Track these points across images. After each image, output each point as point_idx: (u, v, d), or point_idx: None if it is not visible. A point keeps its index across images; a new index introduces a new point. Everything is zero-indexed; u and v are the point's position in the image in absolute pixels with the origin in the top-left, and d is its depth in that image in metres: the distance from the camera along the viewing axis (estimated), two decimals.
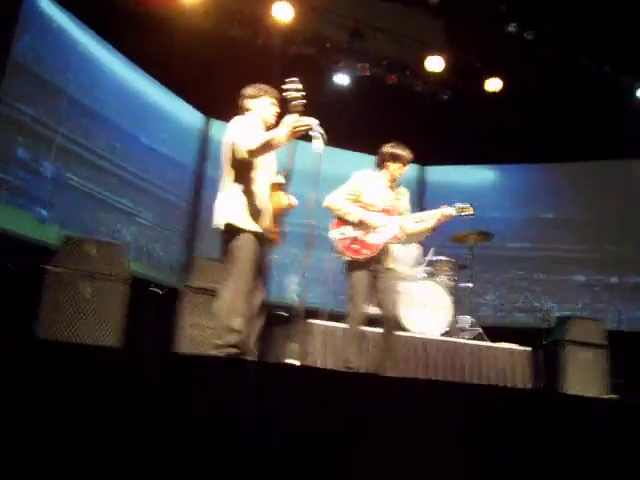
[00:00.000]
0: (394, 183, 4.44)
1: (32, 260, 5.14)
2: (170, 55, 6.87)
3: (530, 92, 8.37)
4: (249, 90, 4.03)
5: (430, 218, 4.39)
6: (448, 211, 4.39)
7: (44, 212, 6.11)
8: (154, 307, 5.87)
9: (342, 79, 8.47)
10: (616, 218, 8.50)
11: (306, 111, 3.96)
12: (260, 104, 3.99)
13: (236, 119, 3.93)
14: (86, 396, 1.74)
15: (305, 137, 3.84)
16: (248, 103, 4.01)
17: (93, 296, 4.84)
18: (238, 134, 3.78)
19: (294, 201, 3.98)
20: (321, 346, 5.05)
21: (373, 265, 4.21)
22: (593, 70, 8.11)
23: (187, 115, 8.12)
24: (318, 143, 3.80)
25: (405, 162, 4.39)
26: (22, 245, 5.74)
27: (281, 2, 7.37)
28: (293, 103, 3.73)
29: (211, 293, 5.19)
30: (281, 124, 3.73)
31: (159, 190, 7.63)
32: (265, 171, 3.90)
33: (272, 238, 3.90)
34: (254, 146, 3.67)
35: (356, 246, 4.20)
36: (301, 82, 3.80)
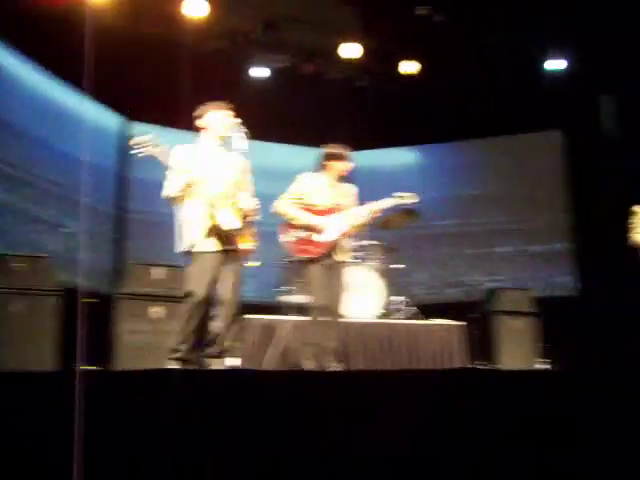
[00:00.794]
0: (340, 180, 4.71)
1: None
2: (81, 57, 6.68)
3: (444, 72, 8.56)
4: (197, 111, 4.07)
5: (366, 214, 4.67)
6: (385, 203, 4.70)
7: None
8: (88, 317, 5.75)
9: (259, 72, 8.46)
10: (533, 189, 8.83)
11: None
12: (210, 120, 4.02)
13: (173, 151, 3.98)
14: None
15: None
16: (199, 123, 4.05)
17: (25, 313, 4.72)
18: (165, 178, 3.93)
19: (249, 204, 4.03)
20: (260, 340, 5.08)
21: (324, 260, 4.48)
22: (501, 47, 8.34)
23: (104, 118, 7.92)
24: (242, 143, 3.85)
25: (346, 159, 4.70)
26: None
27: None
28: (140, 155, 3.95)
29: (145, 298, 5.15)
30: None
31: (81, 197, 7.42)
32: (203, 187, 3.90)
33: (230, 249, 3.95)
34: (169, 196, 3.92)
35: (306, 247, 4.47)
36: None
